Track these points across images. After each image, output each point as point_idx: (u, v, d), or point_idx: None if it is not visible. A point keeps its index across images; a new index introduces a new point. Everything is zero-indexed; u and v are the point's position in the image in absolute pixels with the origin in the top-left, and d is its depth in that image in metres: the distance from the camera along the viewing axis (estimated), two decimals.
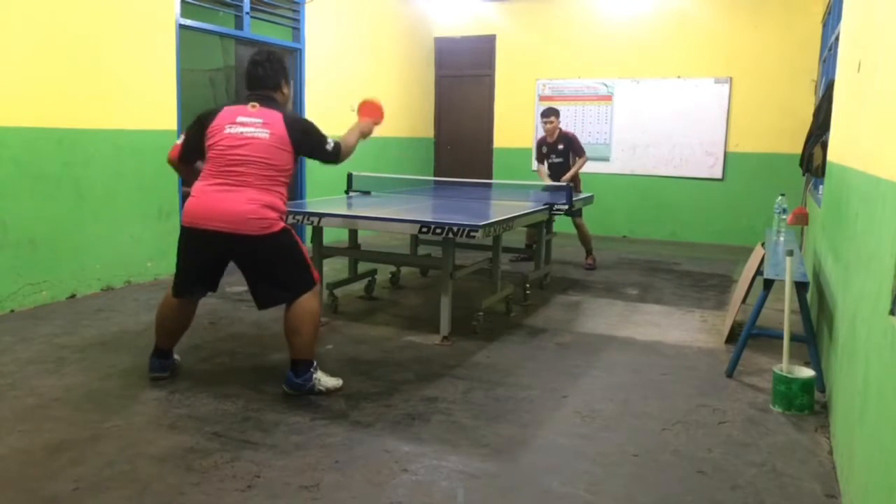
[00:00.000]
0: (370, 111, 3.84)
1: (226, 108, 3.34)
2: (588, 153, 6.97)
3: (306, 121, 3.52)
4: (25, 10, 4.64)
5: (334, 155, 3.49)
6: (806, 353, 3.80)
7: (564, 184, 6.21)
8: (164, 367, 3.54)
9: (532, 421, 3.16)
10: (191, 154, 3.43)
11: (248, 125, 3.24)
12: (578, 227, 6.80)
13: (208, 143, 3.28)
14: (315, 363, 3.37)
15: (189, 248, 3.36)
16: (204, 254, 3.34)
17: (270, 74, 3.42)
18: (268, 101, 3.35)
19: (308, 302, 3.32)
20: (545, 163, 6.92)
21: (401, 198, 5.69)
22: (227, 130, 3.24)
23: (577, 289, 5.94)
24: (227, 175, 3.22)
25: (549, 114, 6.83)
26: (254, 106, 3.30)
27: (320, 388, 3.34)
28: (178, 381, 3.52)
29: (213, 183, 3.24)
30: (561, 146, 6.81)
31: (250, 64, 3.44)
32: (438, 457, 2.76)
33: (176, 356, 3.64)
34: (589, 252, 6.93)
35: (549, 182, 6.78)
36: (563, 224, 6.86)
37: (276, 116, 3.28)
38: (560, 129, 6.88)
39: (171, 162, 3.56)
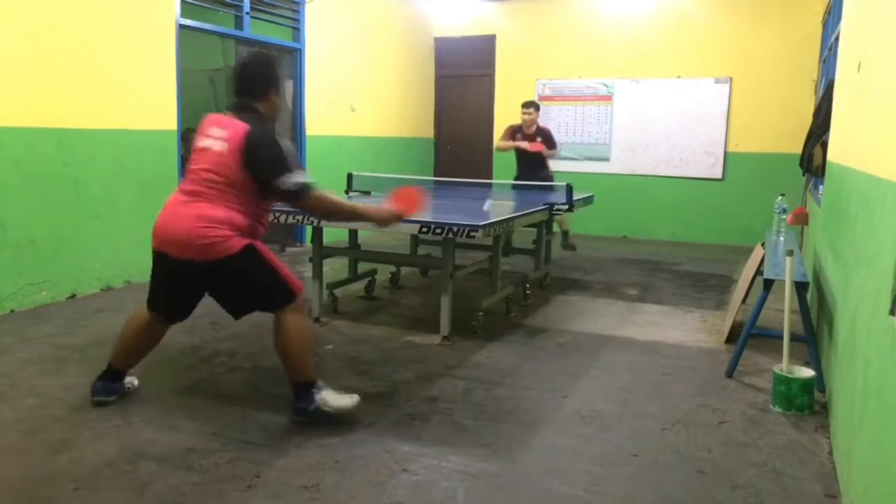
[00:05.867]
0: (404, 199, 3.27)
1: (208, 118, 3.06)
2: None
3: (274, 141, 2.92)
4: (25, 10, 4.64)
5: (295, 194, 2.92)
6: (806, 353, 3.80)
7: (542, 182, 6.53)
8: (111, 391, 3.16)
9: (532, 421, 3.15)
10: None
11: (214, 137, 2.93)
12: (560, 222, 6.88)
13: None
14: (317, 383, 3.02)
15: (155, 270, 3.08)
16: (169, 279, 3.05)
17: (253, 81, 3.03)
18: (244, 111, 2.98)
19: (289, 320, 2.97)
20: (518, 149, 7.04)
21: None
22: (198, 143, 3.00)
23: (577, 289, 5.93)
24: (189, 189, 2.96)
25: (531, 105, 6.94)
26: (228, 115, 2.99)
27: (327, 408, 2.99)
28: (178, 382, 3.52)
29: (176, 195, 3.02)
30: (538, 139, 6.89)
31: (236, 68, 3.18)
32: (438, 457, 2.75)
33: (131, 381, 3.29)
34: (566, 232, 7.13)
35: (512, 144, 6.95)
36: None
37: (239, 129, 2.88)
38: (538, 124, 7.01)
39: None
